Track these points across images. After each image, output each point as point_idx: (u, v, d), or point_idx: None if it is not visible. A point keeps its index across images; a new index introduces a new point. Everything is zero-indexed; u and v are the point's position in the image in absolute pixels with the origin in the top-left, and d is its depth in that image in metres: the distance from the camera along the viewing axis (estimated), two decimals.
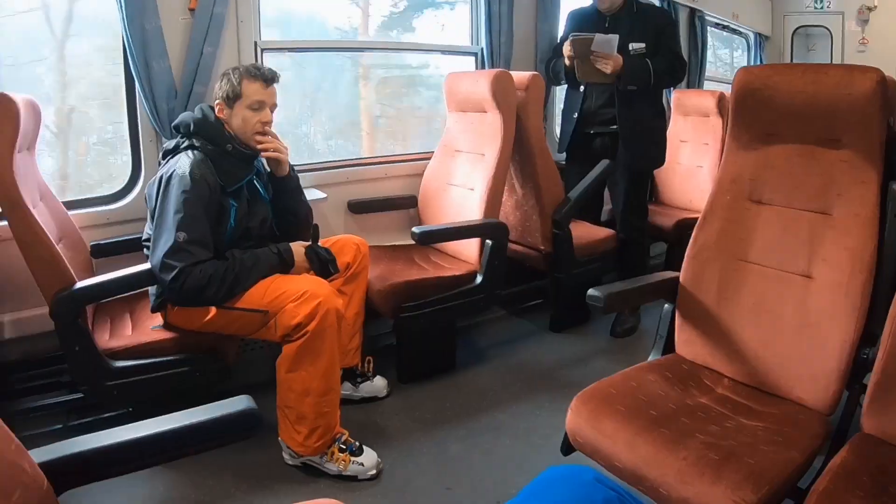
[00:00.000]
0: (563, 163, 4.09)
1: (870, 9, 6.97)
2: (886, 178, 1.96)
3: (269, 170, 2.77)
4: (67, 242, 2.71)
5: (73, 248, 2.76)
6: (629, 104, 3.73)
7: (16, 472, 1.05)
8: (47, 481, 1.13)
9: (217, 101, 2.58)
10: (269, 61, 3.48)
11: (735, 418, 1.94)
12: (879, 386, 1.75)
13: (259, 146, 2.62)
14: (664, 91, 4.15)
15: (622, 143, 3.78)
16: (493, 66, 4.21)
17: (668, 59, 3.70)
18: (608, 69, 3.55)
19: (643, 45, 3.67)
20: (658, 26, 3.75)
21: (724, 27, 6.84)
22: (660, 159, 4.00)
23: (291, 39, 3.89)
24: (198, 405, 1.44)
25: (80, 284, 2.42)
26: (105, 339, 2.60)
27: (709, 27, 6.14)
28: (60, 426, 2.82)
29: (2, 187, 2.24)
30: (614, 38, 3.51)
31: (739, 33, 7.24)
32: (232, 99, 2.55)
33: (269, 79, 2.59)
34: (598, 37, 3.51)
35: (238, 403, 1.45)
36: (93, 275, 2.82)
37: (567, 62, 3.72)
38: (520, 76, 3.65)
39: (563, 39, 3.81)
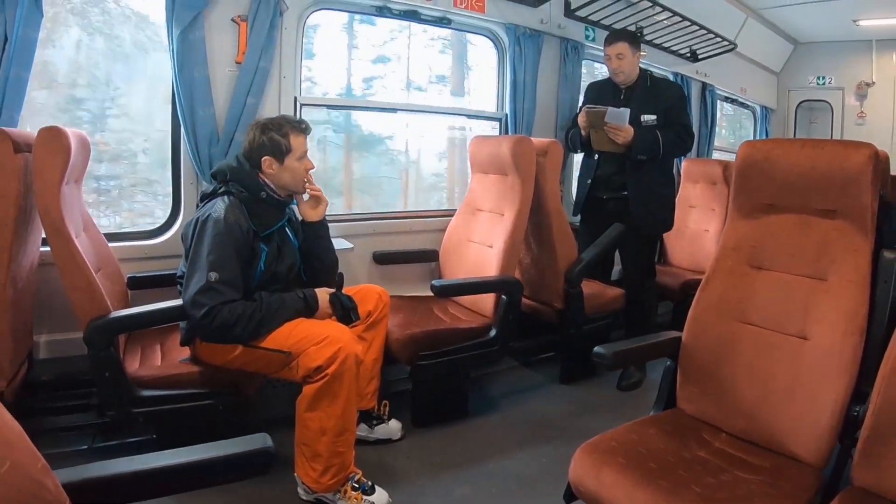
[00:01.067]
0: (578, 224, 4.09)
1: (868, 84, 7.06)
2: (878, 245, 2.00)
3: (300, 218, 2.78)
4: (106, 272, 2.71)
5: (111, 278, 2.76)
6: (638, 172, 3.74)
7: (40, 490, 1.02)
8: (70, 502, 1.10)
9: (265, 158, 2.58)
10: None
11: (731, 471, 1.92)
12: (869, 441, 1.74)
13: (310, 189, 2.69)
14: (674, 160, 4.15)
15: (631, 207, 3.78)
16: (515, 131, 4.26)
17: (677, 131, 3.71)
18: (619, 139, 3.59)
19: (654, 116, 3.70)
20: (669, 99, 3.77)
21: (733, 101, 6.88)
22: (667, 224, 4.00)
23: (328, 97, 3.94)
24: (219, 435, 1.46)
25: (114, 314, 2.43)
26: (135, 368, 2.59)
27: (718, 100, 6.18)
28: (86, 447, 2.80)
29: (48, 215, 2.27)
30: (626, 112, 3.55)
31: (747, 106, 7.28)
32: (283, 153, 2.59)
33: (309, 131, 2.67)
34: (611, 110, 3.55)
35: (256, 441, 1.46)
36: (128, 305, 2.86)
37: (583, 132, 3.76)
38: (540, 142, 3.68)
39: (581, 110, 3.84)
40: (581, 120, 3.74)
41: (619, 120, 3.55)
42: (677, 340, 2.32)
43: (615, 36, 3.77)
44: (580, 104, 4.20)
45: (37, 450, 1.05)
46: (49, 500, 1.04)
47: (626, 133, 3.57)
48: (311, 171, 2.70)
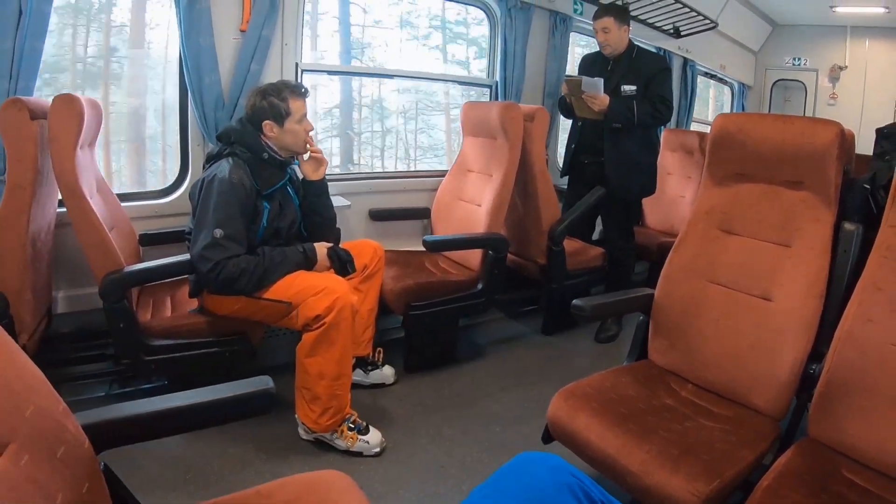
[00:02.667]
0: (565, 186, 4.09)
1: (841, 68, 7.03)
2: (839, 217, 2.02)
3: (301, 176, 2.77)
4: (119, 230, 2.70)
5: (124, 235, 2.76)
6: (615, 139, 3.72)
7: (61, 431, 1.06)
8: (88, 441, 1.14)
9: (266, 122, 2.56)
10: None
11: (695, 419, 1.96)
12: (823, 397, 1.79)
13: (311, 150, 2.68)
14: (657, 129, 4.12)
15: (606, 172, 3.76)
16: (505, 98, 4.23)
17: (654, 102, 3.66)
18: (595, 107, 3.57)
19: (634, 87, 3.66)
20: (651, 71, 3.72)
21: (713, 76, 6.82)
22: (645, 190, 3.96)
23: (327, 63, 3.90)
24: (225, 381, 1.48)
25: (127, 269, 2.44)
26: (147, 319, 2.61)
27: (699, 75, 6.13)
28: (103, 394, 2.84)
29: (64, 178, 2.26)
30: (599, 81, 3.52)
31: (725, 82, 7.22)
32: (283, 117, 2.56)
33: (307, 94, 2.64)
34: (586, 79, 3.52)
35: (258, 383, 1.49)
36: (140, 260, 2.87)
37: (567, 99, 3.73)
38: (528, 108, 3.65)
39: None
40: (563, 88, 3.71)
41: (593, 89, 3.52)
42: (650, 297, 2.35)
43: (602, 11, 3.72)
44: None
45: (58, 394, 1.09)
46: (69, 439, 1.07)
47: (601, 101, 3.54)
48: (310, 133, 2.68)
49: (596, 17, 3.72)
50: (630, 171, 3.79)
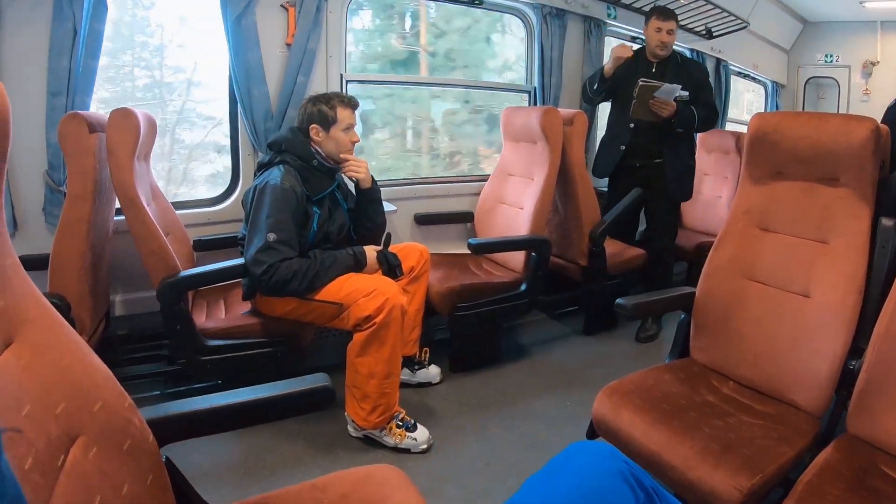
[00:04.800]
0: (604, 189, 4.03)
1: (873, 63, 6.81)
2: (876, 213, 1.97)
3: (352, 182, 2.79)
4: (174, 237, 2.75)
5: (179, 241, 2.80)
6: (674, 143, 3.70)
7: (127, 425, 1.08)
8: (152, 435, 1.15)
9: (312, 126, 2.60)
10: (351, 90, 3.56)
11: (737, 415, 1.93)
12: (863, 393, 1.74)
13: (346, 168, 2.69)
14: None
15: (666, 175, 3.73)
16: (543, 103, 4.20)
17: (706, 108, 3.65)
18: (664, 114, 3.51)
19: (687, 93, 3.60)
20: (697, 78, 3.69)
21: (745, 76, 6.69)
22: (691, 191, 3.94)
23: (371, 73, 3.91)
24: (278, 380, 1.48)
25: (183, 273, 2.47)
26: (202, 321, 2.64)
27: (732, 75, 6.03)
28: (158, 392, 2.89)
29: (123, 188, 2.29)
30: (676, 88, 3.46)
31: (758, 81, 7.07)
32: (329, 123, 2.59)
33: (356, 105, 2.67)
34: (665, 86, 3.45)
35: (316, 379, 1.49)
36: (194, 265, 2.91)
37: (607, 77, 3.72)
38: (566, 113, 3.62)
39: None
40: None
41: (669, 95, 3.47)
42: (691, 295, 2.31)
43: (670, 13, 3.68)
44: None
45: (125, 391, 1.11)
46: (135, 433, 1.10)
47: (670, 108, 3.50)
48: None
49: (664, 16, 3.66)
50: (685, 174, 3.80)
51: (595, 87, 3.83)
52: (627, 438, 1.85)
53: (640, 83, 3.52)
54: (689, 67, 3.76)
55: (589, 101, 4.05)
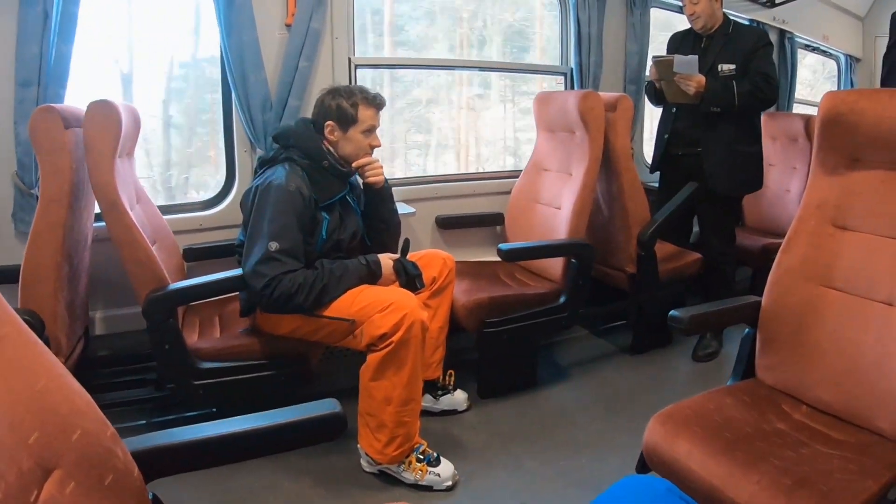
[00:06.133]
0: (654, 185, 4.02)
1: None
2: None
3: (362, 182, 2.78)
4: (161, 245, 2.75)
5: (167, 250, 2.81)
6: (713, 126, 3.60)
7: (109, 457, 1.08)
8: (138, 469, 1.15)
9: (328, 123, 2.60)
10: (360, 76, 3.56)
11: (811, 445, 1.88)
12: None
13: (366, 175, 2.70)
14: (759, 113, 3.97)
15: (705, 165, 3.65)
16: (582, 86, 4.17)
17: (754, 80, 3.51)
18: (691, 90, 3.46)
19: (733, 66, 3.54)
20: (749, 46, 3.59)
21: (815, 49, 6.61)
22: (751, 184, 3.83)
23: (384, 56, 3.92)
24: (279, 409, 1.47)
25: (173, 286, 2.47)
26: (194, 340, 2.64)
27: (799, 49, 5.96)
28: (145, 422, 2.90)
29: (103, 190, 2.30)
30: (694, 59, 3.41)
31: (830, 55, 6.98)
32: (347, 122, 2.60)
33: (381, 105, 2.67)
34: (678, 58, 3.42)
35: (325, 406, 1.47)
36: (184, 277, 2.92)
37: (656, 84, 3.65)
38: (608, 97, 3.58)
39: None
40: (651, 72, 3.62)
41: (687, 68, 3.41)
42: (757, 305, 2.25)
43: None
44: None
45: (107, 419, 1.11)
46: (118, 466, 1.09)
47: (697, 82, 3.43)
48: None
49: None
50: (731, 163, 3.65)
51: (654, 101, 3.86)
52: (684, 472, 1.80)
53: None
54: (739, 36, 3.66)
55: (654, 105, 4.01)
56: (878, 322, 1.96)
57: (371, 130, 2.64)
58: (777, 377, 2.19)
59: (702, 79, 3.44)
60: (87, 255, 2.70)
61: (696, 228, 4.15)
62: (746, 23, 4.99)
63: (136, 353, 2.96)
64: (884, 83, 3.55)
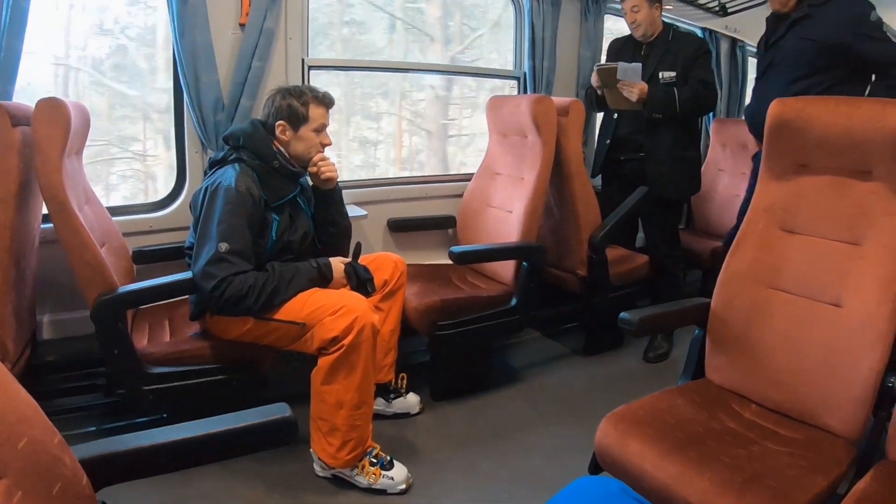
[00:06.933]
0: (600, 188, 4.06)
1: None
2: None
3: (312, 183, 2.78)
4: (110, 247, 2.71)
5: (116, 253, 2.77)
6: (655, 132, 3.71)
7: (57, 465, 1.06)
8: (87, 477, 1.13)
9: (280, 122, 2.60)
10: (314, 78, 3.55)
11: (761, 443, 1.93)
12: None
13: (321, 171, 2.69)
14: (702, 120, 4.06)
15: (648, 169, 3.75)
16: (535, 90, 4.22)
17: (695, 87, 3.63)
18: (633, 97, 3.56)
19: (673, 73, 3.64)
20: (689, 53, 3.69)
21: None
22: (690, 188, 3.95)
23: (338, 58, 3.92)
24: (231, 413, 1.46)
25: (123, 289, 2.44)
26: (143, 344, 2.61)
27: (750, 57, 6.08)
28: (94, 428, 2.85)
29: (50, 190, 2.26)
30: (638, 67, 3.51)
31: None
32: (298, 121, 2.60)
33: (331, 104, 2.68)
34: (622, 65, 3.51)
35: (276, 410, 1.47)
36: (134, 280, 2.86)
37: (598, 91, 3.73)
38: (561, 101, 3.64)
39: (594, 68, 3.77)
40: (594, 79, 3.70)
41: (631, 75, 3.51)
42: (706, 307, 2.31)
43: None
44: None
45: (54, 427, 1.08)
46: (66, 475, 1.07)
47: (639, 89, 3.53)
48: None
49: None
50: (672, 168, 3.76)
51: (594, 108, 3.96)
52: (636, 472, 1.83)
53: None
54: (679, 44, 3.76)
55: (594, 111, 4.10)
56: (824, 323, 2.03)
57: (322, 129, 2.65)
58: (727, 377, 2.25)
59: (644, 86, 3.54)
60: (34, 257, 2.65)
61: (640, 233, 4.24)
62: (697, 31, 5.09)
63: (84, 358, 2.92)
64: None
